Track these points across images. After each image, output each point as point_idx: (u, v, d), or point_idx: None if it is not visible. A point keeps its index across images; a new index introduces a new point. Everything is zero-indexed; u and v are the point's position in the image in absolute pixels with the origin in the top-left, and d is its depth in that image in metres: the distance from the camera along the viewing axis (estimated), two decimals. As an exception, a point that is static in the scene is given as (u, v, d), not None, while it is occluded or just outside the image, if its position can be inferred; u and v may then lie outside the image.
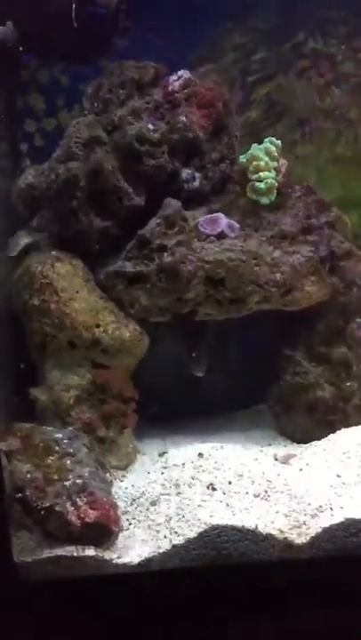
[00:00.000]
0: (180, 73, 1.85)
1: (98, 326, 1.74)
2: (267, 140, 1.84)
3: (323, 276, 1.83)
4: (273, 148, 1.82)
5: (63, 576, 1.34)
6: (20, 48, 1.65)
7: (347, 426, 1.80)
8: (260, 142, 1.85)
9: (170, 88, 1.83)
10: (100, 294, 1.79)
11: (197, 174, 1.86)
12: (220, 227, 1.80)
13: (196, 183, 1.86)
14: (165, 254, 1.75)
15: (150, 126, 1.80)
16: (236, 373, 2.04)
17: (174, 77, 1.85)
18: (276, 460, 1.71)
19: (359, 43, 2.13)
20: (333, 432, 1.79)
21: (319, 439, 1.79)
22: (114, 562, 1.37)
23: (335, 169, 2.11)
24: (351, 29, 2.15)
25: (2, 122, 1.99)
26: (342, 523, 1.40)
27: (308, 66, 2.15)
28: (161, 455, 1.76)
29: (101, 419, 1.71)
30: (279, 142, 1.84)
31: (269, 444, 1.85)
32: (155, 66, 1.88)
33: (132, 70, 1.87)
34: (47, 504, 1.37)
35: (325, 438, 1.78)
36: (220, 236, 1.80)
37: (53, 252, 1.80)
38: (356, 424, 1.80)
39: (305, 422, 1.86)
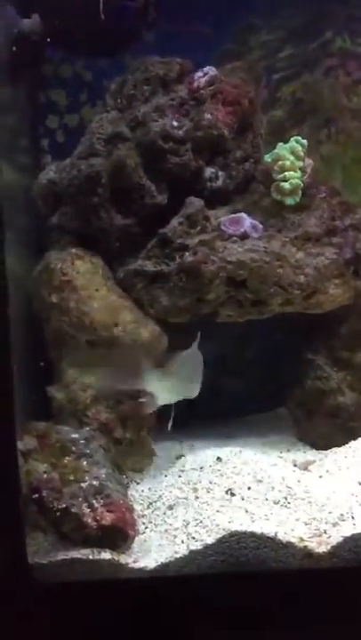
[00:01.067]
0: (205, 69, 1.82)
1: (117, 325, 1.71)
2: (293, 139, 1.80)
3: (347, 279, 1.79)
4: (299, 148, 1.79)
5: (78, 579, 1.32)
6: (46, 41, 1.63)
7: (369, 433, 1.77)
8: (286, 141, 1.82)
9: (195, 85, 1.80)
10: (120, 293, 1.77)
11: (221, 173, 1.83)
12: (243, 227, 1.77)
13: (220, 182, 1.83)
14: (187, 254, 1.72)
15: (175, 123, 1.78)
16: (255, 377, 2.01)
17: (200, 74, 1.82)
18: (295, 466, 1.68)
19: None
20: (355, 439, 1.75)
21: (340, 446, 1.75)
22: (130, 566, 1.34)
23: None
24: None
25: (24, 117, 1.97)
26: (364, 532, 1.36)
27: (335, 64, 2.11)
28: (178, 458, 1.74)
29: (118, 419, 1.68)
30: (305, 142, 1.81)
31: (288, 450, 1.82)
32: (180, 62, 1.85)
33: (156, 66, 1.84)
34: (63, 505, 1.35)
35: (346, 445, 1.74)
36: (243, 236, 1.77)
37: (73, 250, 1.78)
38: (379, 431, 1.77)
39: (326, 428, 1.82)
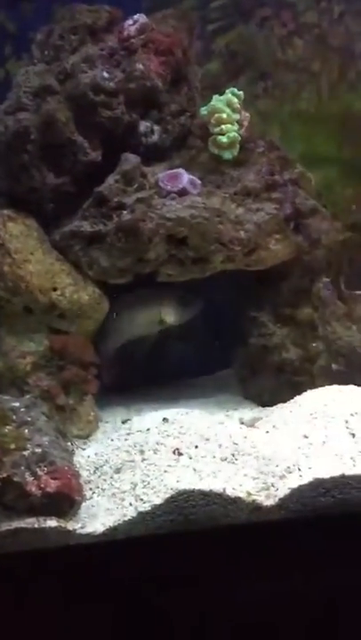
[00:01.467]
0: (135, 17, 1.75)
1: (55, 290, 1.66)
2: (228, 91, 1.76)
3: (288, 234, 1.78)
4: (235, 100, 1.75)
5: (23, 549, 1.28)
6: None
7: (313, 387, 1.78)
8: (222, 94, 1.77)
9: (125, 33, 1.73)
10: (57, 256, 1.71)
11: (156, 127, 1.77)
12: (181, 183, 1.73)
13: (155, 137, 1.78)
14: (124, 212, 1.67)
15: (105, 74, 1.71)
16: (200, 338, 1.99)
17: (130, 22, 1.74)
18: (242, 423, 1.68)
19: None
20: (300, 393, 1.77)
21: (285, 401, 1.76)
22: (77, 532, 1.32)
23: (298, 124, 2.05)
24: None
25: None
26: (311, 483, 1.37)
27: (269, 15, 2.07)
28: (124, 422, 1.71)
29: (61, 386, 1.64)
30: (241, 93, 1.77)
31: (235, 409, 1.82)
32: (109, 10, 1.78)
33: (84, 15, 1.76)
34: (4, 475, 1.30)
35: (292, 400, 1.75)
36: (182, 192, 1.73)
37: (5, 211, 1.70)
38: (323, 385, 1.78)
39: (271, 384, 1.83)
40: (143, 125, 1.77)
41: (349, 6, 2.13)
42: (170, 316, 1.81)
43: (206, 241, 1.68)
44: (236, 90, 1.77)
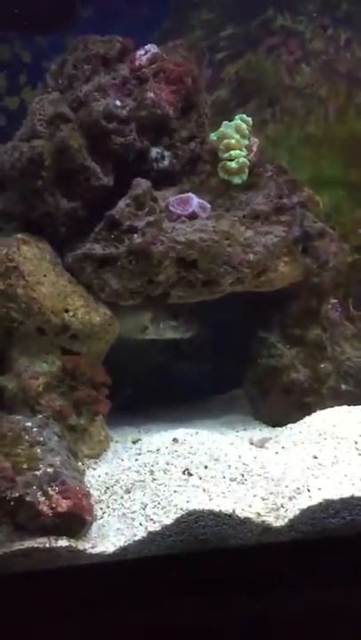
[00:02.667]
0: (147, 47, 1.80)
1: (67, 311, 1.69)
2: (237, 117, 1.80)
3: (296, 256, 1.81)
4: (244, 126, 1.79)
5: (35, 568, 1.30)
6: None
7: (322, 407, 1.79)
8: (231, 120, 1.81)
9: (137, 63, 1.78)
10: (69, 278, 1.74)
11: (167, 153, 1.82)
12: (191, 207, 1.76)
13: (166, 162, 1.82)
14: (135, 235, 1.70)
15: (117, 103, 1.75)
16: (210, 359, 2.01)
17: (141, 52, 1.79)
18: (252, 443, 1.69)
19: (327, 20, 2.10)
20: (309, 414, 1.77)
21: (295, 422, 1.77)
22: (88, 552, 1.33)
23: (306, 149, 2.09)
24: (319, 6, 2.12)
25: None
26: (320, 504, 1.38)
27: (276, 43, 2.11)
28: (134, 442, 1.73)
29: (72, 406, 1.66)
30: (250, 120, 1.81)
31: (245, 429, 1.83)
32: (121, 40, 1.83)
33: (97, 45, 1.81)
34: (17, 494, 1.32)
35: (301, 421, 1.76)
36: (192, 216, 1.76)
37: (19, 235, 1.73)
38: (332, 405, 1.79)
39: (280, 405, 1.84)
40: (154, 151, 1.81)
41: (355, 33, 2.17)
42: (155, 326, 1.81)
43: (216, 263, 1.71)
44: (244, 116, 1.81)
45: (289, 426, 1.77)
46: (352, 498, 1.38)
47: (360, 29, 2.18)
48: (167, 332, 1.82)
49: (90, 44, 1.81)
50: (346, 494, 1.38)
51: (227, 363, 1.98)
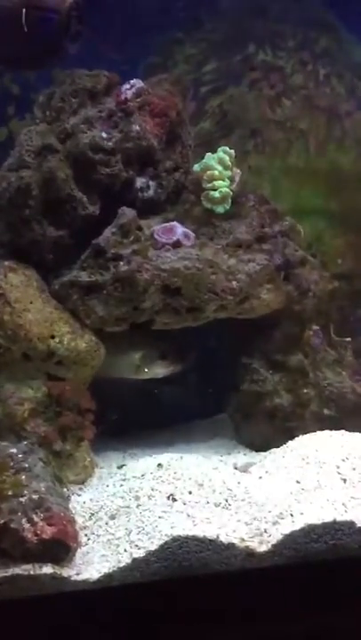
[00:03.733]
0: (132, 82, 1.85)
1: (53, 337, 1.70)
2: (220, 149, 1.85)
3: (278, 284, 1.85)
4: (226, 158, 1.84)
5: (19, 595, 1.29)
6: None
7: (305, 432, 1.81)
8: (214, 152, 1.86)
9: (123, 97, 1.83)
10: (55, 305, 1.76)
11: (152, 183, 1.86)
12: (175, 235, 1.80)
13: (151, 192, 1.86)
14: (121, 263, 1.73)
15: (104, 135, 1.79)
16: (195, 384, 2.03)
17: (127, 86, 1.84)
18: (235, 468, 1.70)
19: (307, 55, 2.18)
20: (292, 439, 1.80)
21: (278, 446, 1.79)
22: (72, 579, 1.33)
23: (287, 179, 2.14)
24: (299, 42, 2.20)
25: None
26: (303, 529, 1.40)
27: (258, 77, 2.18)
28: (119, 468, 1.74)
29: (58, 432, 1.67)
30: (232, 152, 1.86)
31: (229, 453, 1.84)
32: (107, 74, 1.87)
33: (84, 79, 1.86)
34: (1, 521, 1.32)
35: (284, 445, 1.78)
36: (176, 244, 1.79)
37: (6, 263, 1.76)
38: (314, 430, 1.82)
39: (264, 430, 1.86)
40: (139, 181, 1.85)
41: (334, 69, 2.25)
42: (146, 365, 1.84)
43: (200, 290, 1.74)
44: (227, 148, 1.86)
45: (272, 450, 1.79)
46: (334, 522, 1.40)
47: (338, 65, 2.26)
48: (158, 370, 1.86)
49: (77, 77, 1.86)
50: (328, 519, 1.40)
51: (211, 388, 2.00)
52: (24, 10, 1.62)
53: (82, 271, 1.77)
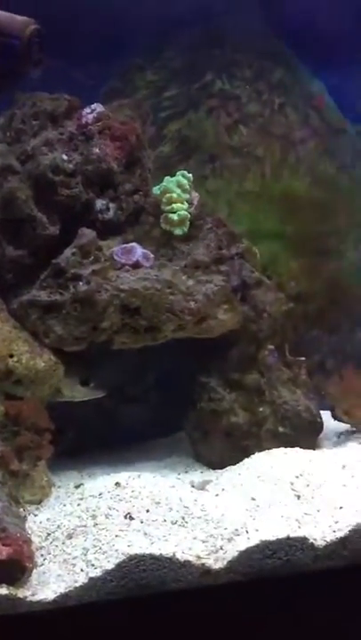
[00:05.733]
0: (93, 106, 1.89)
1: (11, 356, 1.71)
2: (179, 173, 1.90)
3: (235, 304, 1.89)
4: (184, 181, 1.89)
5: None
6: None
7: (260, 450, 1.85)
8: (173, 175, 1.91)
9: (83, 120, 1.86)
10: (14, 324, 1.77)
11: (112, 205, 1.89)
12: (134, 256, 1.83)
13: (111, 213, 1.89)
14: (80, 283, 1.75)
15: (64, 157, 1.82)
16: (153, 402, 2.05)
17: (88, 110, 1.88)
18: (192, 486, 1.72)
19: (263, 85, 2.26)
20: (248, 456, 1.83)
21: (235, 464, 1.82)
22: (28, 599, 1.32)
23: (244, 203, 2.21)
24: (255, 72, 2.28)
25: None
26: (258, 545, 1.42)
27: (216, 105, 2.25)
28: (77, 487, 1.73)
29: (15, 451, 1.66)
30: (190, 176, 1.91)
31: (187, 471, 1.86)
32: (68, 98, 1.91)
33: (45, 102, 1.89)
34: None
35: (240, 463, 1.81)
36: (136, 265, 1.83)
37: (-36, 282, 1.77)
38: (269, 448, 1.85)
39: (221, 448, 1.89)
40: (99, 203, 1.88)
41: (288, 98, 2.33)
42: (67, 389, 1.83)
43: (158, 310, 1.77)
44: (185, 172, 1.91)
45: (229, 468, 1.82)
46: (288, 538, 1.43)
47: (292, 95, 2.35)
48: (76, 394, 1.84)
49: (38, 100, 1.89)
50: (282, 535, 1.43)
51: (170, 406, 2.02)
52: None
53: (41, 290, 1.78)
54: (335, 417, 2.03)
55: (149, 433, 2.06)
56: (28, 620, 1.31)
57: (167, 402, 2.02)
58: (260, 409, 1.90)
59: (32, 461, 1.69)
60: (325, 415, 2.02)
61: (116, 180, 1.89)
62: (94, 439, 1.97)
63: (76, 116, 1.89)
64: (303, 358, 2.00)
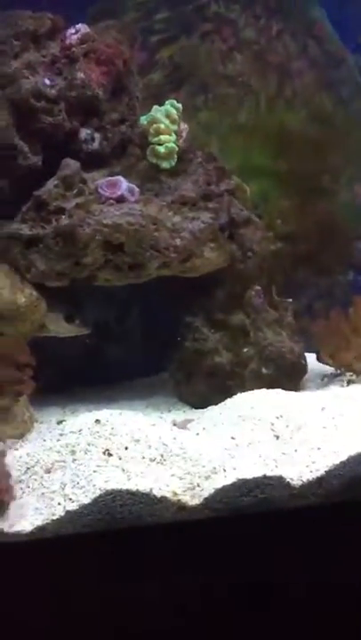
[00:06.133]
0: (78, 27, 1.78)
1: (-9, 291, 1.68)
2: (168, 102, 1.82)
3: (222, 243, 1.85)
4: (173, 111, 1.80)
5: None
6: None
7: (243, 390, 1.85)
8: (162, 104, 1.82)
9: (67, 42, 1.76)
10: (-6, 258, 1.73)
11: (97, 135, 1.81)
12: (120, 190, 1.77)
13: (96, 144, 1.81)
14: (63, 217, 1.70)
15: (47, 82, 1.73)
16: (138, 342, 2.03)
17: (72, 31, 1.77)
18: (174, 425, 1.73)
19: (260, 10, 2.13)
20: (230, 396, 1.83)
21: (217, 404, 1.82)
22: (5, 531, 1.34)
23: (236, 137, 2.12)
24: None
25: None
26: (234, 483, 1.43)
27: (210, 30, 2.13)
28: (59, 423, 1.74)
29: (-6, 387, 1.65)
30: (180, 105, 1.82)
31: (169, 411, 1.87)
32: (52, 17, 1.80)
33: (27, 21, 1.78)
34: None
35: (222, 403, 1.81)
36: (120, 199, 1.77)
37: None
38: (252, 388, 1.85)
39: (204, 388, 1.89)
40: (84, 132, 1.80)
41: (287, 25, 2.21)
42: (52, 325, 1.81)
43: (142, 247, 1.73)
44: (175, 102, 1.83)
45: (211, 408, 1.82)
46: (264, 477, 1.44)
47: (291, 21, 2.22)
48: (61, 330, 1.82)
49: (20, 19, 1.78)
50: (258, 474, 1.45)
51: (155, 346, 2.01)
52: None
53: (22, 224, 1.74)
54: (320, 359, 2.03)
55: (134, 372, 2.06)
56: (5, 550, 1.33)
57: (152, 341, 2.01)
58: (245, 350, 1.89)
59: (13, 397, 1.69)
60: (311, 357, 2.01)
61: (101, 108, 1.81)
62: (78, 377, 1.97)
63: (59, 36, 1.78)
64: (290, 300, 1.98)
